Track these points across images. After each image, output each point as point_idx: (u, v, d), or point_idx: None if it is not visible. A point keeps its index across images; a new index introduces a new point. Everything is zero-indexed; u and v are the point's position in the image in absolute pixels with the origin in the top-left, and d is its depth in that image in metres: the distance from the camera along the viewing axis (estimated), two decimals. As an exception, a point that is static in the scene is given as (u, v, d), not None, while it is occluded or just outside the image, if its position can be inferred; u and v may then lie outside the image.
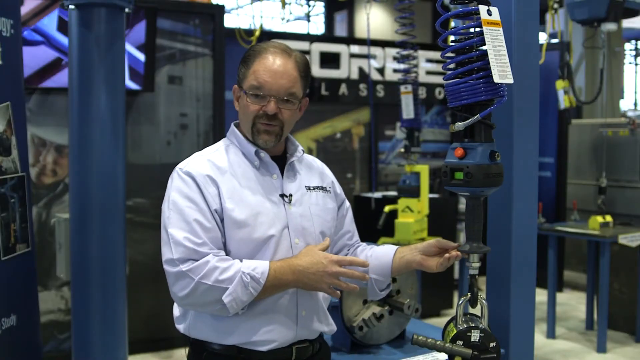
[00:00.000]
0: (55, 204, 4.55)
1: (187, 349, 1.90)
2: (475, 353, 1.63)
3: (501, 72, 1.60)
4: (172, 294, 1.75)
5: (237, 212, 1.75)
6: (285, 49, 1.84)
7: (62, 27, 4.31)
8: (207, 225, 1.73)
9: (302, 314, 1.82)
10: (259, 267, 1.71)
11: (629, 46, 18.03)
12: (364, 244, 2.08)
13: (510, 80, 1.61)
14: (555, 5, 5.57)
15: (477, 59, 1.64)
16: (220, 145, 1.90)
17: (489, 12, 1.62)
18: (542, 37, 6.52)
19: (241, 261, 1.73)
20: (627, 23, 7.76)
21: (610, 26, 5.25)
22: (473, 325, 1.67)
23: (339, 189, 2.04)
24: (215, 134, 5.11)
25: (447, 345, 1.65)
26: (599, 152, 6.00)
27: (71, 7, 3.16)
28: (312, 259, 1.74)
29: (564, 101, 6.10)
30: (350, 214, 2.06)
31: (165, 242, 1.73)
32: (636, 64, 19.51)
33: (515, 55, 2.09)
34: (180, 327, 1.87)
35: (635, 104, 19.20)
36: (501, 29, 1.64)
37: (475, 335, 1.65)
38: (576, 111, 6.95)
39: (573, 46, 6.89)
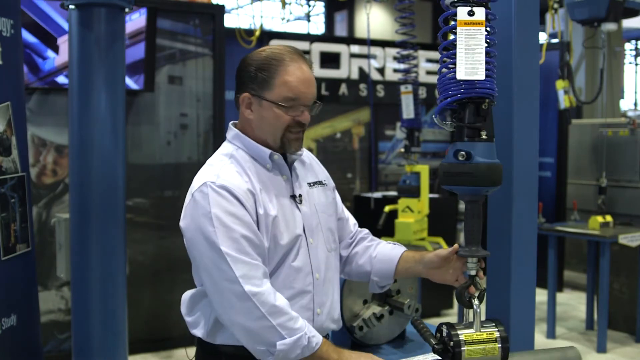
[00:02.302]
0: (55, 204, 4.55)
1: (191, 351, 1.87)
2: (439, 347, 1.65)
3: (469, 68, 1.58)
4: (221, 311, 1.67)
5: (269, 220, 1.73)
6: (300, 53, 1.80)
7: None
8: (255, 241, 1.68)
9: (317, 313, 1.83)
10: (317, 336, 1.69)
11: (629, 46, 18.02)
12: (365, 233, 2.06)
13: (481, 77, 1.59)
14: (555, 5, 5.57)
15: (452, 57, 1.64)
16: (230, 150, 1.81)
17: (471, 13, 1.61)
18: (542, 37, 6.52)
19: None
20: (627, 23, 7.75)
21: (610, 26, 5.24)
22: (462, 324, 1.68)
23: (329, 177, 2.02)
24: (215, 134, 5.11)
25: (428, 333, 1.70)
26: (599, 152, 6.00)
27: (71, 7, 3.16)
28: (362, 354, 1.76)
29: (564, 101, 6.10)
30: (339, 197, 2.03)
31: (220, 260, 1.64)
32: (636, 64, 19.51)
33: (515, 55, 2.09)
34: (197, 332, 1.80)
35: (635, 104, 19.20)
36: (483, 28, 1.61)
37: (445, 332, 1.66)
38: (576, 111, 6.94)
39: (573, 46, 6.88)
